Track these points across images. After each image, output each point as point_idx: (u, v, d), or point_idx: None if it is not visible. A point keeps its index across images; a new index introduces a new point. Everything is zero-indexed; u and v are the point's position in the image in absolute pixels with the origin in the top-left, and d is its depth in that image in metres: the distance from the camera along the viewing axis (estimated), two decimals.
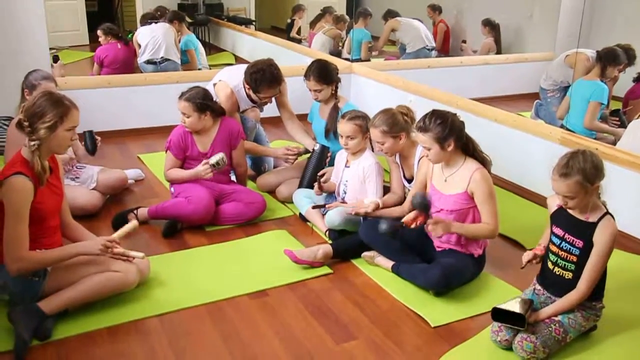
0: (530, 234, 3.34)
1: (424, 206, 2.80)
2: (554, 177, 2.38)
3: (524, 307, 2.43)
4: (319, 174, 3.62)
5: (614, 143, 4.14)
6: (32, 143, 2.48)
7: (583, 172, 2.33)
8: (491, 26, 7.21)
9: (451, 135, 2.81)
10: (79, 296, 2.57)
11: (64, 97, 2.59)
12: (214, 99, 3.63)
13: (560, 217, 2.51)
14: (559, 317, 2.46)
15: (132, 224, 2.81)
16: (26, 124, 2.47)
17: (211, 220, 3.51)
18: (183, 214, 3.44)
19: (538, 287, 2.62)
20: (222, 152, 3.53)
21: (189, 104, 3.49)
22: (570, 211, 2.46)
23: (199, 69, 6.56)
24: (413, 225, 2.86)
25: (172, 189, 3.66)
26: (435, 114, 2.86)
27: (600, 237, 2.39)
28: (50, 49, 5.15)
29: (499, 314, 2.44)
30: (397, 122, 3.25)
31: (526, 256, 2.56)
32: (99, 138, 3.65)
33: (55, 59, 5.37)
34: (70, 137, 2.58)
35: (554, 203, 2.57)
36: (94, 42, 7.48)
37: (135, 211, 3.54)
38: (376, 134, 3.26)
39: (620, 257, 3.21)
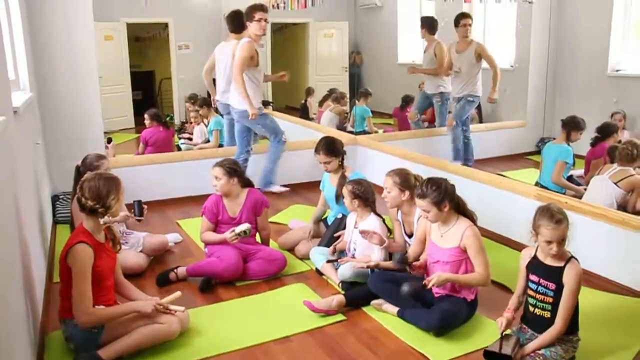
0: (514, 277, 3.29)
1: (412, 293, 2.85)
2: (548, 226, 2.40)
3: (511, 344, 2.43)
4: (335, 235, 3.70)
5: (579, 198, 4.19)
6: (110, 218, 2.61)
7: (566, 216, 2.43)
8: None
9: (446, 198, 2.87)
10: (131, 345, 2.61)
11: (109, 173, 2.76)
12: (242, 169, 3.74)
13: (534, 266, 2.55)
14: (542, 351, 2.46)
15: (177, 294, 2.86)
16: (98, 205, 2.59)
17: (240, 276, 3.53)
18: (216, 272, 3.47)
19: (523, 325, 2.63)
20: (249, 224, 3.56)
21: (220, 168, 3.60)
22: (542, 259, 2.51)
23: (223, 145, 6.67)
24: (430, 285, 2.84)
25: (206, 250, 3.71)
26: (430, 182, 2.91)
27: (568, 278, 2.43)
28: (104, 132, 5.31)
29: (489, 355, 2.44)
30: (407, 181, 3.33)
31: (500, 325, 2.53)
32: (145, 206, 3.74)
33: (109, 140, 5.54)
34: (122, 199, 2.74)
35: (527, 255, 2.61)
36: (138, 125, 7.67)
37: (175, 270, 3.57)
38: (389, 182, 3.34)
39: (591, 295, 3.22)
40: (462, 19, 5.90)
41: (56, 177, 4.94)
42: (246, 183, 3.74)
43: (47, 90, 4.84)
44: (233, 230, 3.52)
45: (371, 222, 3.44)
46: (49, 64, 4.81)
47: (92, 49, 4.97)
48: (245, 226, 3.54)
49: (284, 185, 5.51)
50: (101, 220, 2.61)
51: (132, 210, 3.71)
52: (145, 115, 6.50)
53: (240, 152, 5.33)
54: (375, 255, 3.34)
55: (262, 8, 5.02)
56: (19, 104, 3.08)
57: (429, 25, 6.39)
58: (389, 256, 3.45)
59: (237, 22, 5.43)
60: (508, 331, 2.56)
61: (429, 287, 2.84)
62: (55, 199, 4.81)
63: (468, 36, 5.92)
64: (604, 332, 2.86)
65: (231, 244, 3.55)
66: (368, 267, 3.24)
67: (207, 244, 3.71)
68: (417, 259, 3.15)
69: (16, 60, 3.99)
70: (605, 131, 4.96)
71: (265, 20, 4.98)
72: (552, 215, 2.41)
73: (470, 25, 5.91)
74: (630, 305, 3.18)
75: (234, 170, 3.62)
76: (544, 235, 2.43)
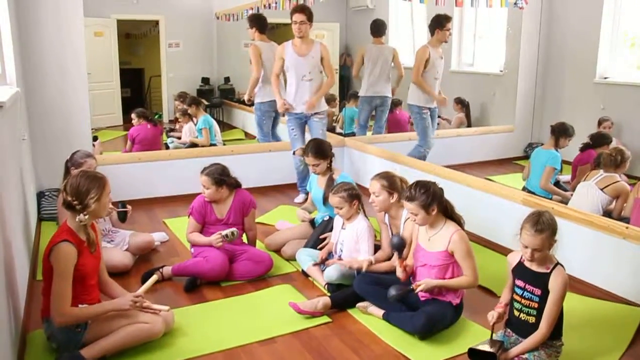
0: (500, 281, 3.35)
1: (400, 246, 2.85)
2: (529, 232, 2.41)
3: (496, 346, 2.45)
4: (321, 237, 3.68)
5: (566, 203, 4.22)
6: (86, 217, 2.55)
7: (551, 227, 2.41)
8: (462, 104, 7.38)
9: (434, 201, 2.87)
10: (114, 345, 2.59)
11: (95, 172, 2.71)
12: (230, 175, 3.69)
13: (520, 271, 2.56)
14: (526, 355, 2.48)
15: (153, 278, 2.85)
16: (76, 202, 2.55)
17: (226, 277, 3.52)
18: (202, 272, 3.46)
19: (508, 330, 2.64)
20: (236, 228, 3.55)
21: (208, 178, 3.57)
22: (528, 265, 2.52)
23: (214, 144, 6.68)
24: (418, 290, 2.88)
25: (192, 250, 3.69)
26: (419, 185, 2.91)
27: (554, 285, 2.44)
28: (92, 129, 5.27)
29: (474, 353, 2.45)
30: (394, 183, 3.33)
31: (491, 317, 2.57)
32: (129, 210, 3.72)
33: (95, 138, 5.49)
34: (108, 201, 2.69)
35: (513, 260, 2.62)
36: (126, 122, 7.65)
37: (160, 269, 3.55)
38: (376, 186, 3.33)
39: (576, 300, 3.25)
40: (447, 22, 5.45)
41: (42, 174, 4.90)
42: (234, 185, 3.72)
43: (34, 85, 4.79)
44: (220, 233, 3.51)
45: (359, 223, 3.45)
46: (37, 59, 4.76)
47: (82, 45, 4.92)
48: (230, 230, 3.52)
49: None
50: (77, 218, 2.56)
51: (117, 213, 3.71)
52: (133, 115, 6.49)
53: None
54: (361, 256, 3.33)
55: (295, 9, 4.96)
56: (5, 99, 3.04)
57: (372, 29, 6.40)
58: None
59: (261, 24, 5.86)
60: (493, 336, 2.58)
61: (416, 292, 2.84)
62: (40, 195, 4.76)
63: (447, 41, 5.67)
64: (587, 338, 2.88)
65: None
66: (351, 268, 3.23)
67: (192, 244, 3.69)
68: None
69: (3, 54, 3.94)
70: (598, 141, 4.98)
71: (301, 22, 4.85)
72: (536, 222, 2.42)
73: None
74: (613, 311, 3.20)
75: (222, 180, 3.59)
76: (522, 238, 2.46)
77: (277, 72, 5.06)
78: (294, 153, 5.16)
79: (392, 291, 2.87)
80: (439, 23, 5.50)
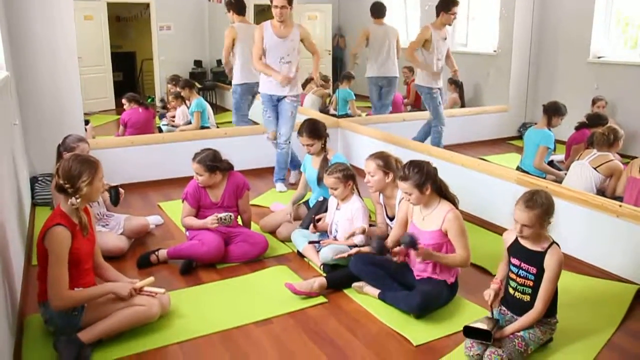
0: (494, 260, 3.35)
1: (412, 243, 2.82)
2: (519, 207, 2.43)
3: (491, 324, 2.46)
4: (316, 217, 3.69)
5: (560, 182, 4.23)
6: (78, 200, 2.54)
7: (544, 206, 2.42)
8: (456, 84, 7.35)
9: (428, 181, 2.88)
10: (111, 327, 2.59)
11: (88, 156, 2.69)
12: (222, 159, 3.65)
13: (516, 249, 2.57)
14: (521, 333, 2.49)
15: (149, 279, 2.81)
16: (68, 185, 2.53)
17: (221, 259, 3.52)
18: (197, 254, 3.46)
19: (503, 308, 2.66)
20: (232, 213, 3.55)
21: (200, 165, 3.54)
22: (523, 243, 2.53)
23: (207, 127, 6.64)
24: (396, 259, 2.91)
25: (188, 233, 3.68)
26: (412, 164, 2.91)
27: (549, 263, 2.46)
28: (84, 114, 5.22)
29: (469, 331, 2.47)
30: (389, 163, 3.34)
31: (488, 297, 2.58)
32: (122, 193, 3.70)
33: (86, 122, 5.45)
34: (101, 184, 2.68)
35: (509, 238, 2.63)
36: (119, 106, 7.59)
37: (156, 252, 3.55)
38: (372, 165, 3.33)
39: (570, 278, 3.27)
40: (454, 6, 5.48)
41: (35, 159, 4.86)
42: (227, 169, 3.69)
43: (25, 70, 4.73)
44: (216, 215, 3.50)
45: (354, 204, 3.44)
46: (26, 44, 4.69)
47: (72, 29, 4.85)
48: (227, 214, 3.51)
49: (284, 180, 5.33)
50: (69, 202, 2.54)
51: (109, 196, 3.68)
52: (124, 100, 6.46)
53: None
54: (356, 238, 3.33)
55: None
56: None
57: (372, 10, 6.38)
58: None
59: (239, 6, 5.78)
60: (488, 314, 2.59)
61: (418, 261, 2.84)
62: (34, 180, 4.73)
63: (452, 24, 5.72)
64: (581, 315, 2.91)
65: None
66: (349, 255, 3.22)
67: (187, 228, 3.68)
68: (397, 242, 3.16)
69: None
70: (594, 121, 4.96)
71: (282, 6, 4.69)
72: (528, 199, 2.44)
73: None
74: (607, 288, 3.23)
75: (215, 166, 3.56)
76: (514, 213, 2.48)
77: (260, 53, 4.88)
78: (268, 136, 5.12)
79: (374, 244, 2.97)
80: (445, 6, 5.53)
